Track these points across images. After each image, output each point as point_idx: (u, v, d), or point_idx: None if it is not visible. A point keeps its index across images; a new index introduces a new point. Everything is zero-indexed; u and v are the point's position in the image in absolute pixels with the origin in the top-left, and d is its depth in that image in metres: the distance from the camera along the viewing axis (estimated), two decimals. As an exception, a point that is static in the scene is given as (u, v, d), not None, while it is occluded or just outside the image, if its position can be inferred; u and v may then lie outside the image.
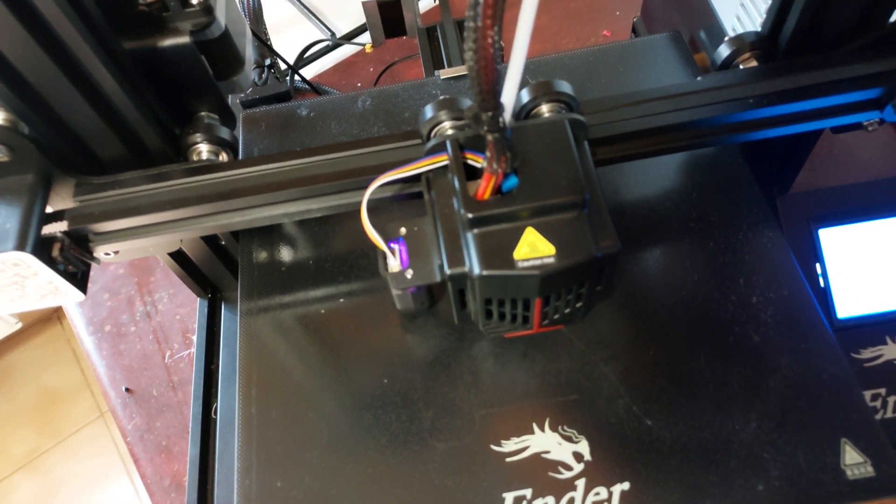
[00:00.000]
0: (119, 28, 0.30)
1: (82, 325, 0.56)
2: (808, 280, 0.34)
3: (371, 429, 0.31)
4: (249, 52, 0.36)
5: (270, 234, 0.38)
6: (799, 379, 0.31)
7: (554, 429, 0.31)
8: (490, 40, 0.22)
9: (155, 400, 0.52)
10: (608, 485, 0.29)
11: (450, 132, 0.31)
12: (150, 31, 0.31)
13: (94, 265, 0.33)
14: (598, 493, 0.29)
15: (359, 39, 0.72)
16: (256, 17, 0.60)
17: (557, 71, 0.43)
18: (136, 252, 0.36)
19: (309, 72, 0.72)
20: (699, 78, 0.35)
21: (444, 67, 0.50)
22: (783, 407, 0.30)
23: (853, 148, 0.55)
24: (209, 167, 0.33)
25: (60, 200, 0.32)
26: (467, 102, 0.31)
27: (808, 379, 0.31)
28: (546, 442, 0.30)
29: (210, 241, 0.42)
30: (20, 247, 0.28)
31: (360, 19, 0.73)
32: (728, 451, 0.30)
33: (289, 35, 0.74)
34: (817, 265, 0.42)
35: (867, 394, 0.40)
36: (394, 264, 0.30)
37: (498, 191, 0.28)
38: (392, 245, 0.30)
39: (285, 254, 0.37)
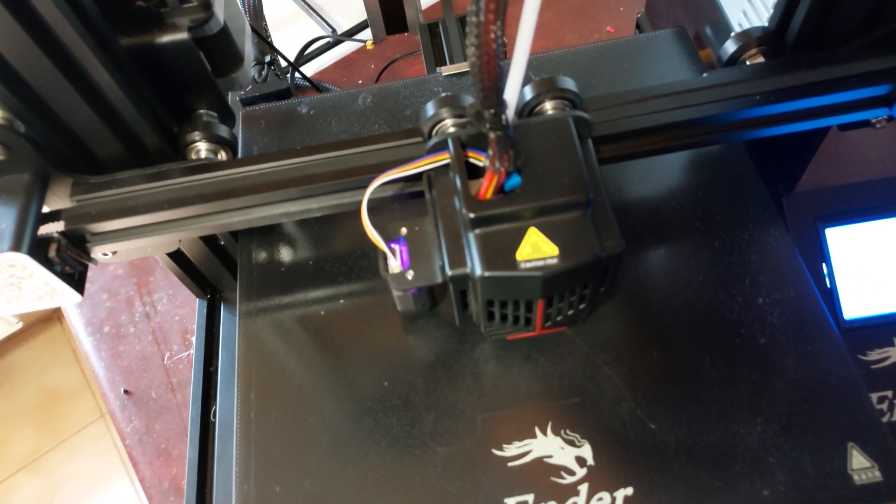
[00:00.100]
0: (116, 25, 0.30)
1: (81, 325, 0.56)
2: (814, 280, 0.34)
3: (371, 432, 0.31)
4: (249, 48, 0.36)
5: (270, 233, 0.37)
6: (805, 381, 0.31)
7: (556, 433, 0.30)
8: (493, 35, 0.22)
9: (154, 402, 0.52)
10: (611, 490, 0.29)
11: (451, 130, 0.30)
12: (147, 27, 0.31)
13: (92, 265, 0.33)
14: (601, 499, 0.29)
15: (360, 36, 0.72)
16: (256, 13, 0.60)
17: (561, 67, 0.42)
18: (135, 252, 0.35)
19: (310, 69, 0.71)
20: (705, 74, 0.35)
21: (446, 64, 0.49)
22: (789, 410, 0.30)
23: (860, 145, 0.54)
24: (208, 166, 0.32)
25: (57, 200, 0.32)
26: (469, 100, 0.31)
27: (815, 381, 0.31)
28: (548, 446, 0.30)
29: (209, 241, 0.42)
30: (16, 247, 0.27)
31: (362, 15, 0.72)
32: (733, 456, 0.29)
33: (289, 31, 0.74)
34: (824, 265, 0.42)
35: (874, 396, 0.39)
36: (394, 265, 0.29)
37: (500, 190, 0.27)
38: (393, 245, 0.29)
39: (285, 254, 0.37)
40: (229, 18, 0.33)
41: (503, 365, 0.32)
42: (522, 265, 0.26)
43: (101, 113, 0.30)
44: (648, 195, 0.37)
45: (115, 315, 0.56)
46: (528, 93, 0.30)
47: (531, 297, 0.28)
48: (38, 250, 0.29)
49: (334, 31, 0.72)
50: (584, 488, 0.29)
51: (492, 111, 0.25)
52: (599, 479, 0.29)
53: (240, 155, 0.40)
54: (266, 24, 0.62)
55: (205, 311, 0.46)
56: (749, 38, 0.36)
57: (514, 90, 0.25)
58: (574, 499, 0.29)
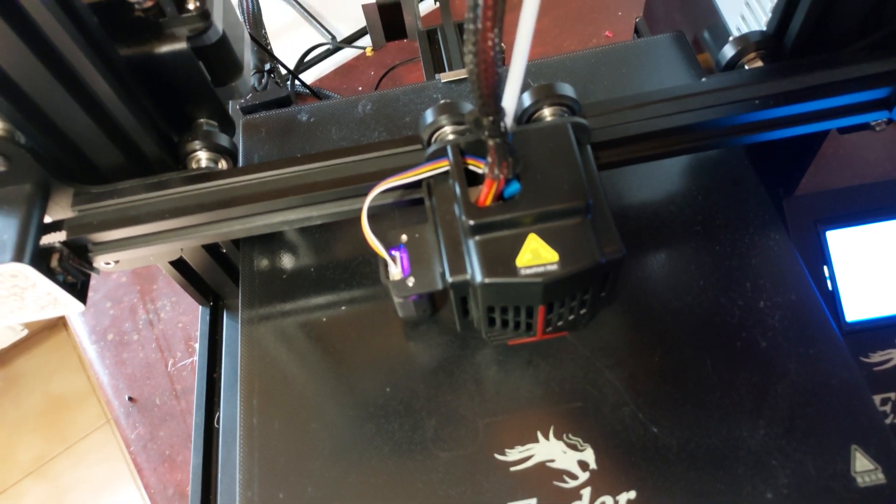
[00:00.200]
0: (115, 35, 0.30)
1: (85, 333, 0.56)
2: (815, 283, 0.34)
3: (374, 438, 0.31)
4: (248, 57, 0.36)
5: (271, 241, 0.37)
6: (807, 384, 0.31)
7: (559, 437, 0.30)
8: (490, 43, 0.22)
9: (158, 409, 0.52)
10: (614, 493, 0.29)
11: (451, 137, 0.30)
12: (146, 37, 0.31)
13: (95, 274, 0.33)
14: (603, 502, 0.29)
15: (359, 43, 0.72)
16: (256, 21, 0.60)
17: (559, 73, 0.42)
18: (137, 261, 0.35)
19: (310, 76, 0.71)
20: (703, 79, 0.35)
21: (445, 70, 0.49)
22: (792, 413, 0.30)
23: (860, 148, 0.54)
24: (208, 175, 0.33)
25: (59, 210, 0.32)
26: (468, 107, 0.31)
27: (817, 384, 0.31)
28: (551, 450, 0.30)
29: (211, 249, 0.42)
30: (18, 258, 0.27)
31: (361, 22, 0.72)
32: (736, 459, 0.29)
33: (289, 39, 0.74)
34: (825, 268, 0.42)
35: (877, 398, 0.39)
36: (395, 272, 0.29)
37: (500, 197, 0.27)
38: (393, 252, 0.30)
39: (286, 261, 0.37)
40: (228, 27, 0.33)
41: (504, 370, 0.32)
42: (523, 272, 0.26)
43: (101, 123, 0.30)
44: (648, 200, 0.37)
45: (119, 323, 0.56)
46: (527, 99, 0.31)
47: (532, 303, 0.28)
48: (41, 260, 0.29)
49: (334, 38, 0.73)
50: (586, 492, 0.29)
51: (490, 118, 0.25)
52: (602, 482, 0.29)
53: (241, 163, 0.40)
54: (266, 32, 0.63)
55: (208, 318, 0.46)
56: (747, 43, 0.36)
57: (513, 97, 0.25)
58: (577, 503, 0.29)
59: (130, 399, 0.52)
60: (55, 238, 0.30)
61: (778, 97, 0.32)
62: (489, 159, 0.26)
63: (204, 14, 0.31)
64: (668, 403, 0.31)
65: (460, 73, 0.43)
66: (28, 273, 0.28)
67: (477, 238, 0.27)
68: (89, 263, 0.32)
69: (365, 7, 0.52)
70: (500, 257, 0.26)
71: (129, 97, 0.31)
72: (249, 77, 0.36)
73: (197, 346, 0.47)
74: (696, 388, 0.31)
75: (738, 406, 0.30)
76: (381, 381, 0.32)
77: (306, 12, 0.76)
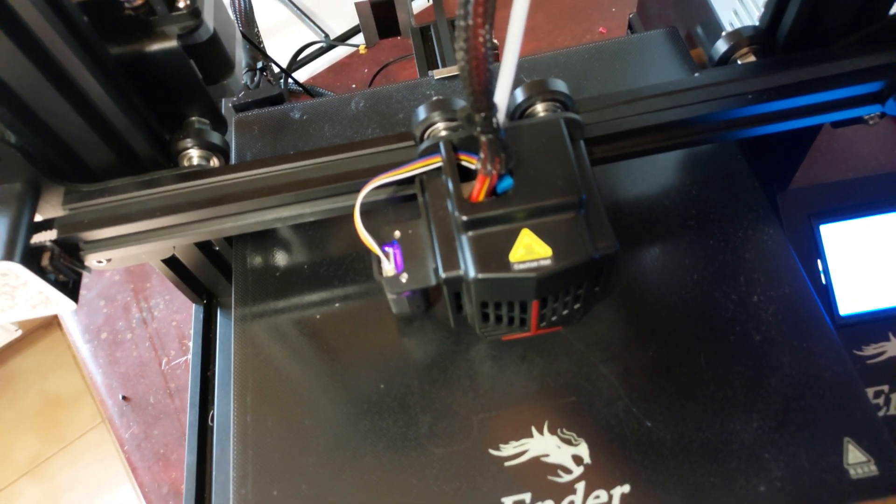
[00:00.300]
0: (105, 33, 0.30)
1: (78, 332, 0.56)
2: (809, 277, 0.34)
3: (368, 435, 0.31)
4: (239, 55, 0.36)
5: (264, 238, 0.37)
6: (801, 378, 0.31)
7: (553, 432, 0.30)
8: (481, 39, 0.22)
9: (152, 407, 0.52)
10: (608, 487, 0.29)
11: (443, 133, 0.30)
12: (136, 35, 0.31)
13: (87, 273, 0.33)
14: (598, 497, 0.29)
15: (353, 41, 0.72)
16: (248, 19, 0.60)
17: (553, 69, 0.42)
18: (129, 259, 0.35)
19: (303, 74, 0.71)
20: (696, 74, 0.35)
21: (438, 67, 0.49)
22: (785, 406, 0.30)
23: (854, 142, 0.54)
24: (200, 173, 0.32)
25: (50, 209, 0.32)
26: (461, 103, 0.31)
27: (810, 377, 0.31)
28: (545, 445, 0.30)
29: (204, 246, 0.42)
30: (8, 256, 0.27)
31: (354, 20, 0.72)
32: (729, 452, 0.29)
33: (282, 37, 0.74)
34: (818, 262, 0.42)
35: (870, 391, 0.39)
36: (388, 268, 0.29)
37: (493, 192, 0.27)
38: (386, 249, 0.29)
39: (280, 258, 0.37)
40: (219, 25, 0.33)
41: (499, 365, 0.32)
42: (516, 266, 0.26)
43: (91, 122, 0.30)
44: (642, 195, 0.37)
45: (113, 321, 0.56)
46: (520, 95, 0.31)
47: (525, 298, 0.28)
48: (31, 259, 0.29)
49: (327, 36, 0.73)
50: (580, 486, 0.29)
51: (482, 114, 0.25)
52: (596, 477, 0.29)
53: (233, 161, 0.40)
54: (258, 31, 0.63)
55: (201, 316, 0.46)
56: (740, 38, 0.36)
57: (504, 93, 0.25)
58: (571, 497, 0.29)
59: (124, 398, 0.52)
60: (46, 237, 0.30)
61: (771, 92, 0.32)
62: (482, 155, 0.26)
63: (194, 12, 0.31)
64: (662, 397, 0.31)
65: (453, 70, 0.43)
66: (19, 272, 0.28)
67: (470, 233, 0.27)
68: (81, 262, 0.32)
69: (358, 5, 0.52)
70: (494, 252, 0.26)
71: (119, 96, 0.30)
72: (241, 75, 0.36)
73: (191, 344, 0.47)
74: (689, 382, 0.31)
75: (731, 400, 0.30)
76: (374, 378, 0.32)
77: (299, 10, 0.75)
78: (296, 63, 0.71)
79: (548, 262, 0.26)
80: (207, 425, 0.42)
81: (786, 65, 0.33)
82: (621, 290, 0.34)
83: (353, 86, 0.68)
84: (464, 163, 0.28)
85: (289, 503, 0.30)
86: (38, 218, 0.31)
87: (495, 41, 0.43)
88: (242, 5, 0.60)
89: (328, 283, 0.35)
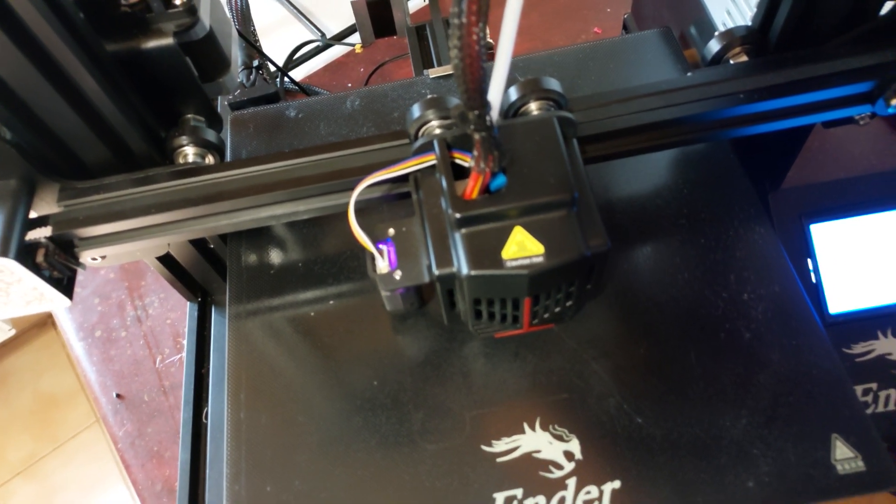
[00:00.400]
0: (101, 30, 0.30)
1: (72, 330, 0.56)
2: (799, 276, 0.34)
3: (361, 431, 0.31)
4: (235, 52, 0.36)
5: (259, 236, 0.37)
6: (790, 375, 0.31)
7: (545, 428, 0.31)
8: (475, 37, 0.22)
9: (146, 405, 0.52)
10: (599, 483, 0.29)
11: (437, 131, 0.31)
12: (133, 32, 0.31)
13: (82, 270, 0.33)
14: (588, 492, 0.29)
15: (349, 40, 0.72)
16: (244, 17, 0.60)
17: (547, 68, 0.43)
18: (124, 257, 0.35)
19: (299, 73, 0.71)
20: (689, 74, 0.35)
21: (434, 66, 0.50)
22: (774, 403, 0.30)
23: (845, 142, 0.55)
24: (195, 170, 0.33)
25: (45, 205, 0.32)
26: (455, 101, 0.31)
27: (799, 375, 0.31)
28: (537, 441, 0.30)
29: (198, 244, 0.42)
30: (3, 253, 0.27)
31: (350, 19, 0.72)
32: (718, 448, 0.29)
33: (279, 36, 0.74)
34: (809, 261, 0.42)
35: (858, 388, 0.40)
36: (382, 265, 0.29)
37: (486, 190, 0.28)
38: (380, 246, 0.30)
39: (274, 256, 0.37)
40: (215, 23, 0.33)
41: (491, 363, 0.32)
42: (508, 264, 0.26)
43: (87, 119, 0.30)
44: (635, 194, 0.37)
45: (107, 319, 0.56)
46: (513, 94, 0.31)
47: (518, 296, 0.28)
48: (26, 255, 0.29)
49: (323, 35, 0.73)
50: (572, 482, 0.29)
51: (476, 112, 0.25)
52: (587, 472, 0.29)
53: (228, 158, 0.40)
54: (255, 29, 0.63)
55: (196, 314, 0.46)
56: (733, 38, 0.36)
57: (498, 91, 0.26)
58: (562, 493, 0.29)
59: (118, 396, 0.52)
60: (41, 233, 0.30)
61: (762, 91, 0.33)
62: (475, 153, 0.26)
63: (191, 9, 0.31)
64: (652, 394, 0.31)
65: (449, 69, 0.43)
66: (14, 268, 0.28)
67: (463, 231, 0.27)
68: (75, 259, 0.32)
69: (354, 4, 0.52)
70: (486, 250, 0.27)
71: (115, 92, 0.31)
72: (237, 73, 0.36)
73: (185, 342, 0.47)
74: (680, 379, 0.31)
75: (721, 396, 0.31)
76: (368, 375, 0.32)
77: (296, 9, 0.75)
78: (292, 62, 0.71)
79: (540, 259, 0.26)
80: (201, 423, 0.42)
81: (777, 65, 0.34)
82: (613, 287, 0.34)
83: (349, 85, 0.69)
84: (458, 161, 0.29)
85: (282, 499, 0.30)
86: (32, 214, 0.31)
87: (490, 41, 0.44)
88: (239, 3, 0.60)
89: (322, 280, 0.36)
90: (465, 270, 0.27)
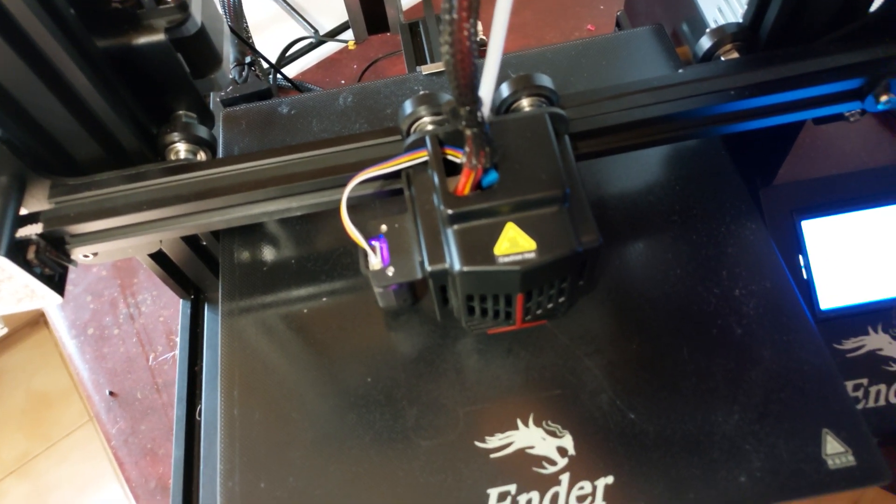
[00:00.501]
0: (92, 26, 0.30)
1: (65, 328, 0.56)
2: (790, 272, 0.34)
3: (355, 428, 0.31)
4: (227, 49, 0.36)
5: (252, 233, 0.37)
6: (781, 370, 0.31)
7: (538, 424, 0.31)
8: (466, 33, 0.22)
9: (139, 403, 0.51)
10: (592, 479, 0.29)
11: (429, 128, 0.31)
12: (124, 28, 0.31)
13: (74, 267, 0.33)
14: (582, 488, 0.29)
15: (342, 36, 0.72)
16: (237, 14, 0.60)
17: (540, 65, 0.43)
18: (116, 254, 0.35)
19: (292, 70, 0.71)
20: (681, 70, 0.35)
21: (427, 63, 0.49)
22: (765, 398, 0.31)
23: (835, 139, 0.55)
24: (187, 166, 0.32)
25: (35, 202, 0.32)
26: (447, 97, 0.31)
27: (791, 370, 0.31)
28: (530, 437, 0.30)
29: (191, 241, 0.42)
30: (-7, 250, 0.27)
31: (343, 16, 0.72)
32: (711, 443, 0.30)
33: (272, 33, 0.74)
34: (800, 257, 0.42)
35: (849, 384, 0.40)
36: (375, 262, 0.29)
37: (478, 186, 0.28)
38: (373, 242, 0.30)
39: (267, 253, 0.37)
40: (207, 19, 0.33)
41: (485, 359, 0.33)
42: (500, 260, 0.26)
43: (78, 115, 0.30)
44: (626, 190, 0.37)
45: (99, 317, 0.56)
46: (505, 90, 0.31)
47: (510, 291, 0.28)
48: (17, 252, 0.29)
49: (316, 31, 0.73)
50: (565, 478, 0.29)
51: (467, 108, 0.25)
52: (580, 468, 0.30)
53: (221, 155, 0.40)
54: (247, 25, 0.62)
55: (189, 311, 0.46)
56: (724, 34, 0.36)
57: (489, 87, 0.26)
58: (556, 488, 0.29)
59: (111, 393, 0.52)
60: (32, 230, 0.30)
61: (753, 88, 0.33)
62: (467, 149, 0.26)
63: (182, 6, 0.31)
64: (645, 390, 0.31)
65: (441, 66, 0.43)
66: (4, 265, 0.28)
67: (455, 227, 0.27)
68: (67, 256, 0.32)
69: (347, 1, 0.52)
70: (479, 246, 0.27)
71: (106, 89, 0.30)
72: (229, 69, 0.36)
73: (178, 339, 0.47)
74: (672, 374, 0.31)
75: (713, 392, 0.31)
76: (362, 371, 0.32)
77: (289, 6, 0.75)
78: (285, 59, 0.71)
79: (532, 255, 0.26)
80: (195, 420, 0.42)
81: (768, 61, 0.34)
82: (606, 284, 0.34)
83: (343, 82, 0.68)
84: (449, 157, 0.29)
85: (276, 496, 0.30)
86: (23, 211, 0.31)
87: (483, 38, 0.44)
88: (231, 0, 0.60)
89: (315, 277, 0.36)
90: (457, 267, 0.27)
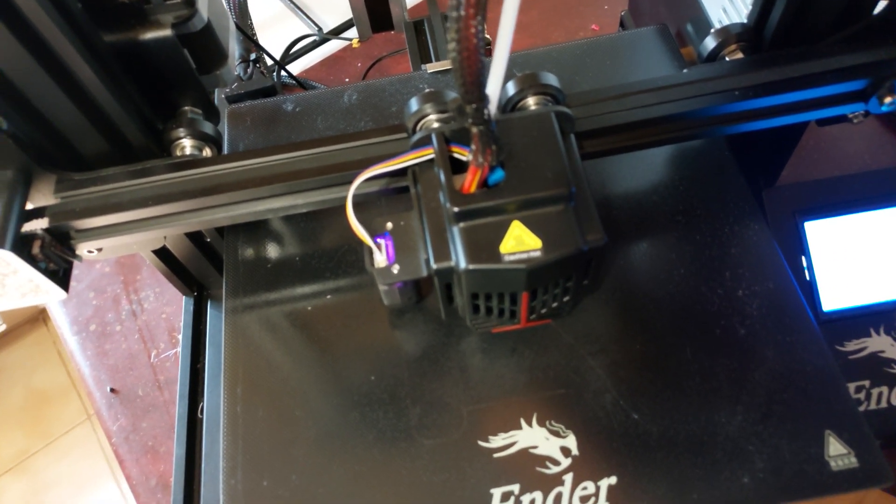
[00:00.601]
0: (100, 21, 0.30)
1: (66, 324, 0.56)
2: (793, 273, 0.34)
3: (358, 426, 0.31)
4: (233, 45, 0.36)
5: (256, 230, 0.37)
6: (784, 371, 0.31)
7: (541, 424, 0.31)
8: (473, 30, 0.22)
9: (141, 400, 0.51)
10: (595, 479, 0.29)
11: (435, 125, 0.31)
12: (131, 23, 0.31)
13: (79, 263, 0.33)
14: (585, 488, 0.29)
15: (346, 34, 0.72)
16: (242, 11, 0.60)
17: (545, 64, 0.43)
18: (120, 249, 0.35)
19: (296, 67, 0.71)
20: (685, 70, 0.35)
21: (431, 61, 0.49)
22: (768, 399, 0.31)
23: (838, 141, 0.55)
24: (192, 162, 0.32)
25: (41, 197, 0.32)
26: (453, 95, 0.31)
27: (794, 371, 0.31)
28: (534, 437, 0.30)
29: (195, 237, 0.42)
30: (-1, 244, 0.27)
31: (347, 14, 0.72)
32: (714, 444, 0.30)
33: (275, 30, 0.74)
34: (803, 258, 0.42)
35: (851, 386, 0.40)
36: (380, 259, 0.29)
37: (484, 184, 0.28)
38: (378, 240, 0.30)
39: (271, 250, 0.37)
40: (213, 16, 0.33)
41: (489, 358, 0.33)
42: (506, 258, 0.26)
43: (84, 110, 0.30)
44: (631, 190, 0.37)
45: (102, 313, 0.56)
46: (511, 88, 0.31)
47: (515, 290, 0.28)
48: (22, 247, 0.29)
49: (320, 29, 0.73)
50: (568, 478, 0.29)
51: (474, 106, 0.25)
52: (584, 468, 0.30)
53: (226, 152, 0.40)
54: (252, 23, 0.62)
55: (191, 308, 0.46)
56: (728, 35, 0.36)
57: (496, 85, 0.26)
58: (559, 488, 0.29)
59: (112, 390, 0.52)
60: (37, 225, 0.30)
61: (757, 88, 0.33)
62: (473, 147, 0.26)
63: (189, 1, 0.31)
64: (649, 390, 0.31)
65: (447, 64, 0.43)
66: (9, 259, 0.28)
67: (461, 225, 0.27)
68: (72, 251, 0.32)
69: (352, -1, 0.52)
70: (484, 244, 0.27)
71: (113, 84, 0.30)
72: (234, 65, 0.36)
73: (180, 336, 0.46)
74: (676, 375, 0.31)
75: (716, 392, 0.31)
76: (365, 370, 0.32)
77: (293, 3, 0.75)
78: (288, 56, 0.71)
79: (538, 253, 0.26)
80: (197, 417, 0.42)
81: (772, 62, 0.34)
82: (610, 283, 0.34)
83: (347, 80, 0.68)
84: (456, 155, 0.29)
85: (279, 493, 0.30)
86: (29, 206, 0.31)
87: (488, 37, 0.44)
88: (235, -3, 0.60)
89: (320, 274, 0.36)
90: (463, 264, 0.27)
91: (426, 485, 0.30)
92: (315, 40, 0.72)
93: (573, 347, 0.32)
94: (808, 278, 0.42)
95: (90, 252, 0.33)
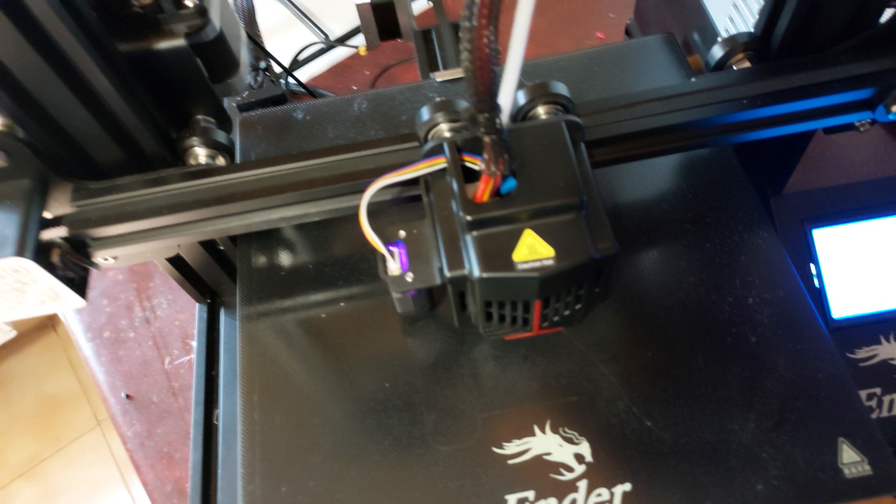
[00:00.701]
0: (114, 31, 0.30)
1: (80, 331, 0.56)
2: (802, 281, 0.34)
3: (374, 432, 0.31)
4: (244, 54, 0.36)
5: (269, 238, 0.38)
6: (796, 379, 0.31)
7: (555, 430, 0.31)
8: (486, 40, 0.22)
9: (155, 406, 0.52)
10: (609, 486, 0.29)
11: (447, 134, 0.31)
12: (144, 33, 0.31)
13: (97, 270, 0.33)
14: (599, 495, 0.29)
15: (353, 42, 0.72)
16: (250, 19, 0.60)
17: (553, 73, 0.43)
18: (135, 257, 0.35)
19: (303, 74, 0.72)
20: (693, 79, 0.35)
21: (439, 70, 0.50)
22: (781, 407, 0.31)
23: (846, 149, 0.55)
24: (206, 171, 0.33)
25: (58, 206, 0.32)
26: (464, 104, 0.31)
27: (805, 379, 0.31)
28: (547, 444, 0.31)
29: (208, 245, 0.42)
30: (20, 252, 0.28)
31: (354, 22, 0.73)
32: (727, 451, 0.30)
33: (282, 38, 0.74)
34: (812, 266, 0.42)
35: (862, 393, 0.40)
36: (393, 267, 0.30)
37: (496, 193, 0.28)
38: (391, 248, 0.30)
39: (284, 258, 0.37)
40: (225, 25, 0.33)
41: (502, 365, 0.33)
42: (519, 266, 0.27)
43: (100, 119, 0.31)
44: (641, 198, 0.38)
45: (115, 320, 0.56)
46: (522, 98, 0.31)
47: (528, 298, 0.29)
48: (42, 255, 0.29)
49: (327, 36, 0.73)
50: (582, 484, 0.30)
51: (486, 115, 0.25)
52: (598, 475, 0.30)
53: (238, 160, 0.40)
54: (259, 31, 0.63)
55: (205, 315, 0.46)
56: (735, 44, 0.37)
57: (508, 94, 0.26)
58: (573, 495, 0.29)
59: (127, 396, 0.52)
60: (55, 233, 0.31)
61: (765, 97, 0.33)
62: (485, 156, 0.27)
63: (202, 11, 0.31)
64: (661, 397, 0.31)
65: (455, 73, 0.44)
66: (30, 268, 0.28)
67: (474, 233, 0.27)
68: (89, 259, 0.32)
69: (359, 6, 0.52)
70: (497, 252, 0.27)
71: (128, 93, 0.31)
72: (246, 74, 0.36)
73: (194, 343, 0.47)
74: (688, 382, 0.32)
75: (729, 400, 0.31)
76: (380, 377, 0.33)
77: (300, 11, 0.76)
78: (296, 64, 0.71)
79: (550, 262, 0.27)
80: (212, 424, 0.42)
81: (779, 71, 0.34)
82: (621, 291, 0.34)
83: (354, 87, 0.69)
84: (468, 164, 0.29)
85: (297, 499, 0.30)
86: (46, 215, 0.31)
87: (498, 46, 0.44)
88: (245, 4, 0.61)
89: (333, 282, 0.36)
90: (476, 273, 0.27)
91: (442, 491, 0.30)
92: (322, 48, 0.73)
93: (585, 355, 0.33)
94: (817, 286, 0.42)
95: (106, 260, 0.34)
